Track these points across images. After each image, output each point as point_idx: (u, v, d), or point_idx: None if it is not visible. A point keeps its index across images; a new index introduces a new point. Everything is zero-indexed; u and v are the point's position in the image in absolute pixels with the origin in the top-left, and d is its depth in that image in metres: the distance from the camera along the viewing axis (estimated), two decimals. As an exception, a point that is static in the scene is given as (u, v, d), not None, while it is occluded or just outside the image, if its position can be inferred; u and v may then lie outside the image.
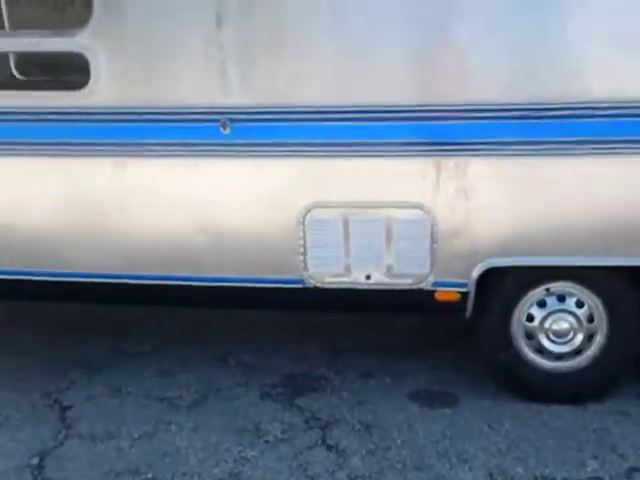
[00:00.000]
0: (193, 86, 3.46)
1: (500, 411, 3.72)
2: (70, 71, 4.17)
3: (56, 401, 3.92)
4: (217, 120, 3.44)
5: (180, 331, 4.67)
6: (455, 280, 3.54)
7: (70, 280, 3.81)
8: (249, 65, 3.42)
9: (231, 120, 3.45)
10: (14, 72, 4.87)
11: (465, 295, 3.55)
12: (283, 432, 3.61)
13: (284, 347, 4.41)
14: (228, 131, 3.46)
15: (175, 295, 3.80)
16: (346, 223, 3.51)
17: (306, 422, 3.68)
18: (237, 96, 3.44)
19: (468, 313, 3.61)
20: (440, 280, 3.55)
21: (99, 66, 3.46)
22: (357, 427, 3.63)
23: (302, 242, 3.54)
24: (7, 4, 4.39)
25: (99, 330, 4.72)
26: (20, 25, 4.20)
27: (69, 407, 3.87)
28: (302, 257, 3.56)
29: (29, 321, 4.82)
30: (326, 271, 3.58)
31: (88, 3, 3.46)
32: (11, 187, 3.71)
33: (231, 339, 4.53)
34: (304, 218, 3.51)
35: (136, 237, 3.68)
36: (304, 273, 3.59)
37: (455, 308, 3.60)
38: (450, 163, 3.41)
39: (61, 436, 3.61)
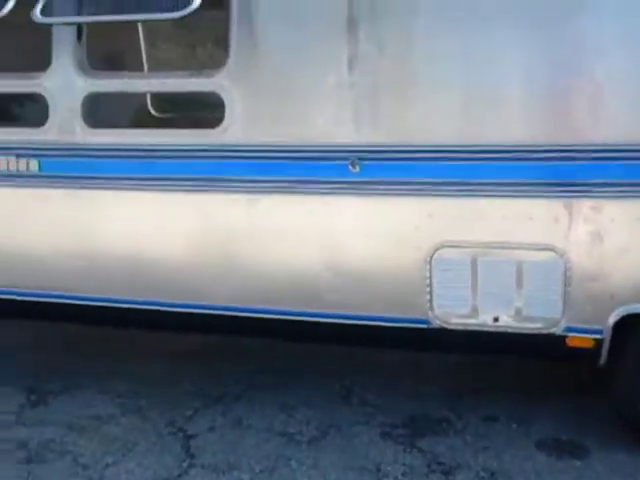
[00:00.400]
0: (324, 125, 3.52)
1: (636, 467, 3.53)
2: (202, 107, 4.32)
3: (180, 429, 4.01)
4: (347, 158, 3.49)
5: (304, 365, 4.72)
6: (589, 326, 3.40)
7: (197, 312, 3.93)
8: (380, 104, 3.45)
9: (361, 159, 3.48)
10: (150, 109, 5.13)
11: (599, 341, 3.42)
12: (404, 474, 3.54)
13: (406, 386, 4.36)
14: (357, 169, 3.50)
15: (298, 330, 3.84)
16: (474, 264, 3.46)
17: (428, 466, 3.61)
18: (367, 135, 3.47)
19: (602, 360, 3.46)
20: (573, 325, 3.42)
21: (234, 105, 3.59)
22: (481, 474, 3.52)
23: (428, 282, 3.51)
24: (146, 47, 4.61)
25: (221, 360, 4.83)
26: (157, 66, 4.40)
27: (193, 436, 3.95)
28: (428, 297, 3.53)
29: (154, 350, 4.99)
30: (452, 312, 3.53)
31: (225, 46, 3.60)
32: (145, 221, 3.88)
33: (354, 375, 4.52)
34: (431, 257, 3.48)
35: (264, 272, 3.74)
36: (429, 313, 3.56)
37: (588, 354, 3.46)
38: (584, 205, 3.30)
39: (185, 464, 3.68)
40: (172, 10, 3.38)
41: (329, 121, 3.51)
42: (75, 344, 5.11)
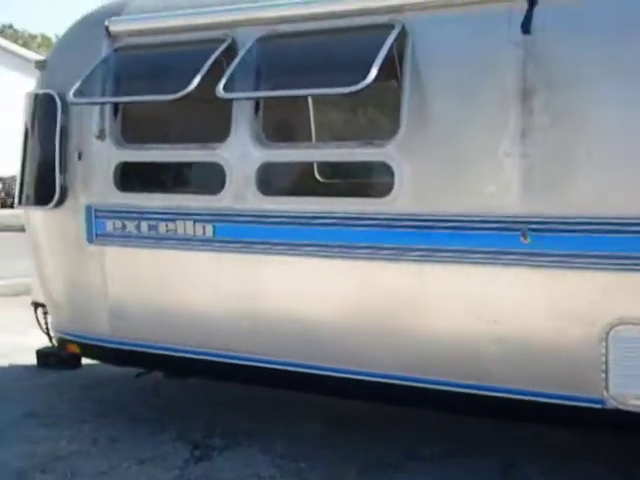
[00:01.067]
0: (494, 195, 3.50)
1: None
2: (366, 174, 4.41)
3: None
4: (518, 229, 3.44)
5: (464, 437, 4.60)
6: None
7: (355, 378, 3.94)
8: (552, 175, 3.39)
9: (532, 230, 3.42)
10: (316, 175, 5.29)
11: None
12: None
13: (571, 464, 4.15)
14: (529, 240, 3.43)
15: (460, 402, 3.76)
16: (656, 342, 3.28)
17: None
18: (539, 206, 3.41)
19: None
20: None
21: (403, 175, 3.64)
22: None
23: (604, 360, 3.35)
24: (316, 118, 4.77)
25: (377, 426, 4.79)
26: (326, 136, 4.54)
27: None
28: (603, 376, 3.37)
29: (311, 411, 5.03)
30: (631, 392, 3.34)
31: (396, 117, 3.67)
32: (311, 286, 3.96)
33: (517, 451, 4.36)
34: (607, 334, 3.33)
35: (427, 341, 3.72)
36: (604, 393, 3.38)
37: None
38: None
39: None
40: (347, 85, 3.51)
41: (500, 191, 3.48)
42: (239, 401, 5.25)
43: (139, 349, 4.48)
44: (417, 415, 4.68)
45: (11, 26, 51.93)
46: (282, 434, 4.68)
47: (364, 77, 3.40)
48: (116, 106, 4.39)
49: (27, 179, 4.87)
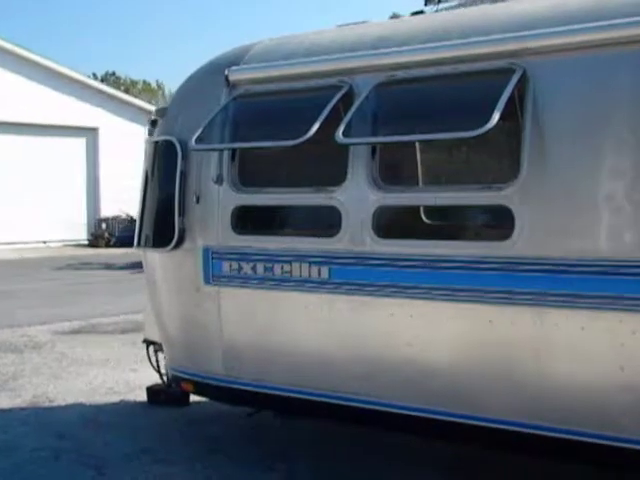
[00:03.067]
0: (617, 239, 3.43)
1: None
2: (480, 217, 4.37)
3: None
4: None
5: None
6: None
7: (472, 423, 3.88)
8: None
9: (661, 275, 3.33)
10: (423, 217, 5.30)
11: None
12: None
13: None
14: (657, 286, 3.34)
15: (588, 453, 3.64)
16: None
17: None
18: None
19: None
20: None
21: (524, 218, 3.61)
22: None
23: None
24: (430, 161, 4.79)
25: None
26: (440, 179, 4.55)
27: None
28: None
29: (427, 455, 4.98)
30: None
31: (515, 160, 3.66)
32: (426, 329, 3.95)
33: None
34: None
35: (549, 388, 3.64)
36: None
37: None
38: None
39: None
40: (468, 129, 3.53)
41: (623, 235, 3.41)
42: (347, 443, 5.24)
43: (252, 389, 4.55)
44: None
45: (114, 73, 54.41)
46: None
47: (486, 121, 3.41)
48: (234, 152, 4.53)
49: (146, 221, 5.06)
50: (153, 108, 28.20)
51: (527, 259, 3.60)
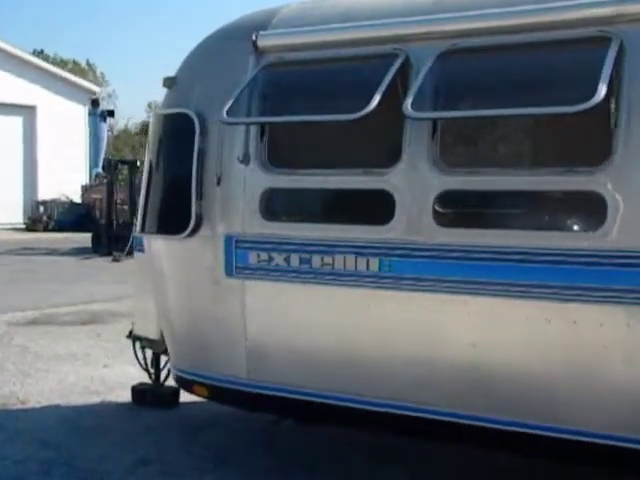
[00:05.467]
0: None
1: None
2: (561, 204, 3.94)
3: None
4: None
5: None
6: None
7: (546, 435, 3.48)
8: None
9: None
10: (495, 205, 4.70)
11: None
12: None
13: None
14: None
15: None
16: None
17: None
18: None
19: None
20: None
21: (617, 207, 3.22)
22: None
23: None
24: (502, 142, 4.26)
25: None
26: (515, 163, 4.05)
27: None
28: None
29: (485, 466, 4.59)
30: None
31: (609, 142, 3.26)
32: (492, 328, 3.52)
33: None
34: None
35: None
36: None
37: None
38: None
39: None
40: (565, 104, 3.11)
41: None
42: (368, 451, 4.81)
43: (280, 394, 4.05)
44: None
45: (42, 51, 52.32)
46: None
47: (591, 95, 2.99)
48: (263, 128, 4.00)
49: (152, 205, 4.49)
50: (94, 87, 27.19)
51: (621, 252, 3.22)
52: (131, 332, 6.01)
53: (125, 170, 19.03)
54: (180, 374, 4.55)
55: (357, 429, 4.22)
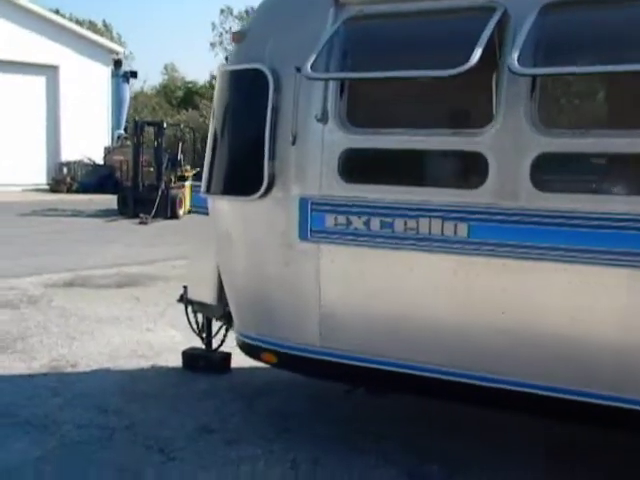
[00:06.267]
0: None
1: None
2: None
3: None
4: None
5: None
6: None
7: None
8: None
9: None
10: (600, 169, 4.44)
11: None
12: None
13: None
14: None
15: None
16: None
17: None
18: None
19: None
20: None
21: None
22: None
23: None
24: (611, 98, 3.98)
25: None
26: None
27: None
28: None
29: (533, 439, 4.46)
30: None
31: None
32: (589, 300, 3.35)
33: None
34: None
35: None
36: None
37: None
38: None
39: None
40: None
41: None
42: (459, 424, 4.65)
43: (355, 363, 3.90)
44: None
45: (57, 11, 51.82)
46: (506, 464, 4.10)
47: None
48: (342, 85, 3.80)
49: (220, 164, 4.31)
50: (118, 47, 26.88)
51: None
52: (182, 296, 5.91)
53: (150, 131, 18.78)
54: (246, 340, 4.41)
55: (433, 399, 4.08)
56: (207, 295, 5.22)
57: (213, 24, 54.49)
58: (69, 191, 22.21)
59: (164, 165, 17.18)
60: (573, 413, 3.51)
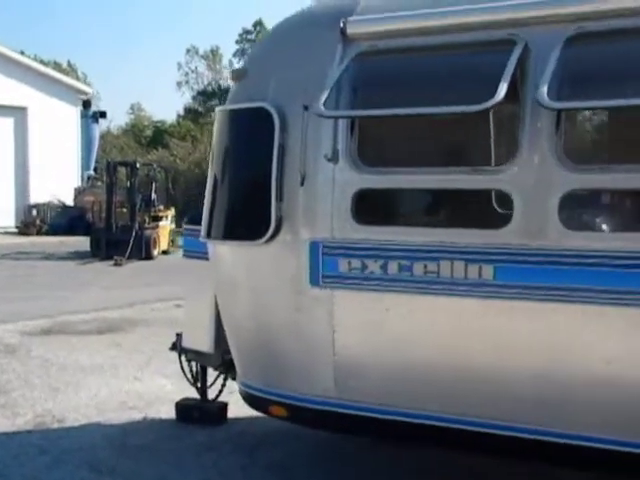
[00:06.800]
0: None
1: None
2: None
3: None
4: None
5: None
6: None
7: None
8: None
9: None
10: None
11: None
12: None
13: None
14: None
15: None
16: None
17: None
18: None
19: None
20: None
21: None
22: None
23: None
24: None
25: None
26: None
27: None
28: None
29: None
30: None
31: None
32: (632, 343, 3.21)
33: None
34: None
35: None
36: None
37: None
38: None
39: None
40: None
41: None
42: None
43: (374, 415, 3.69)
44: None
45: (22, 53, 51.53)
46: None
47: None
48: (353, 123, 3.64)
49: (221, 208, 4.10)
50: (86, 88, 26.61)
51: None
52: (174, 344, 5.65)
53: (122, 172, 18.50)
54: (251, 392, 4.16)
55: (464, 452, 3.86)
56: (204, 343, 4.98)
57: (179, 64, 54.90)
58: (39, 233, 21.74)
59: (137, 205, 16.89)
60: (615, 464, 3.33)
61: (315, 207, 3.74)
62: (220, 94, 50.51)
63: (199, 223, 4.97)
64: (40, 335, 8.54)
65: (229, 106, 4.14)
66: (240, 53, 44.28)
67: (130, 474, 4.51)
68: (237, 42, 44.41)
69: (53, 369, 6.94)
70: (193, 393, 5.68)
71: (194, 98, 50.71)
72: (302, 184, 3.73)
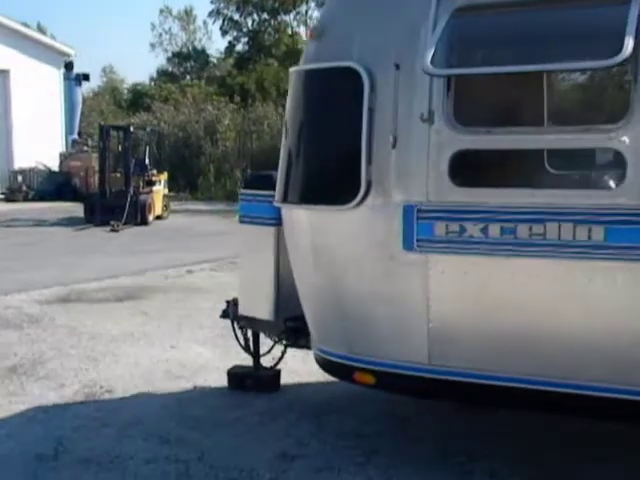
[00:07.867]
0: None
1: None
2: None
3: None
4: None
5: None
6: None
7: None
8: None
9: None
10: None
11: None
12: None
13: None
14: None
15: None
16: None
17: None
18: None
19: None
20: None
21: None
22: None
23: None
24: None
25: None
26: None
27: None
28: None
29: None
30: None
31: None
32: None
33: None
34: None
35: None
36: None
37: None
38: None
39: None
40: None
41: None
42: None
43: (470, 380, 3.63)
44: None
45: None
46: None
47: None
48: (449, 81, 3.51)
49: (304, 173, 3.97)
50: (68, 49, 25.90)
51: None
52: (225, 311, 5.54)
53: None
54: (333, 359, 4.08)
55: (561, 415, 3.82)
56: (264, 310, 4.88)
57: (152, 24, 53.83)
58: (25, 200, 21.30)
59: (131, 170, 16.58)
60: None
61: (409, 170, 3.62)
62: (195, 56, 49.75)
63: (257, 187, 4.86)
64: (59, 304, 8.35)
65: (307, 65, 3.98)
66: (215, 13, 43.29)
67: (201, 445, 4.40)
68: (212, 1, 43.45)
69: (84, 338, 6.79)
70: (233, 360, 5.62)
71: (169, 60, 49.77)
72: (394, 146, 3.60)
